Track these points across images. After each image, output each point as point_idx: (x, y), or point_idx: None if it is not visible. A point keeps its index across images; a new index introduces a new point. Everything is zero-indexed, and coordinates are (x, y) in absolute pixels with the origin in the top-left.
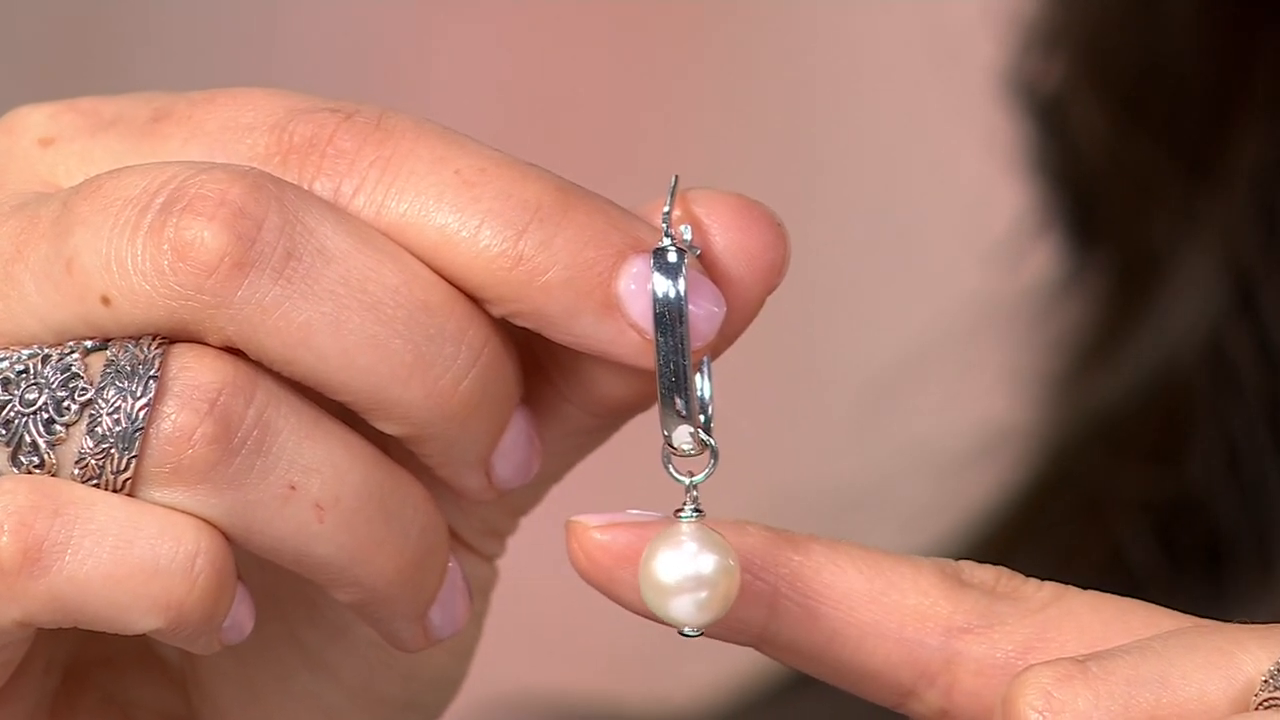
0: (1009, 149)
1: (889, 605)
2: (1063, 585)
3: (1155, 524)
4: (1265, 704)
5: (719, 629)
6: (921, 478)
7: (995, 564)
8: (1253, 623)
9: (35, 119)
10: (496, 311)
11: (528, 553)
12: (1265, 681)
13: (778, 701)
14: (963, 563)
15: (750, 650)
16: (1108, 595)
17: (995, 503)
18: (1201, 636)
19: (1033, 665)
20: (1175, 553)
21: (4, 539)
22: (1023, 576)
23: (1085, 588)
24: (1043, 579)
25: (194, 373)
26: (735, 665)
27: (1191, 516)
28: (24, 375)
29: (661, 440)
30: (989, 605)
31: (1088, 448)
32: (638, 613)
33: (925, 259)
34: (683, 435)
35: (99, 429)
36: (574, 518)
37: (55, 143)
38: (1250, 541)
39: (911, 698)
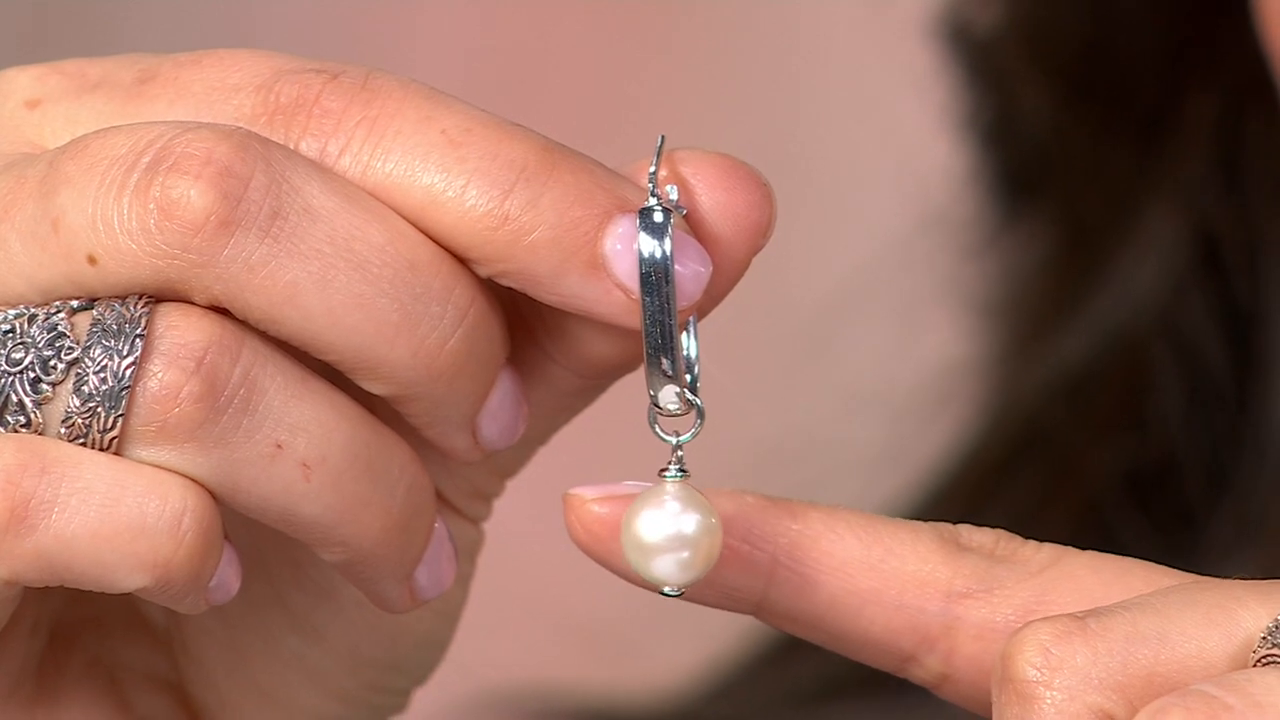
0: (942, 100)
1: (888, 572)
2: (1061, 546)
3: (1126, 485)
4: (1264, 660)
5: (717, 597)
6: (873, 425)
7: (961, 517)
8: (1249, 578)
9: (21, 81)
10: (483, 271)
11: (511, 528)
12: (1264, 638)
13: (758, 677)
14: (961, 526)
15: (729, 629)
16: (1107, 555)
17: (954, 458)
18: (1201, 592)
19: (1031, 621)
20: (1147, 512)
21: None
22: (1021, 539)
23: (1058, 543)
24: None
25: (180, 331)
26: (715, 642)
27: (1162, 476)
28: (10, 335)
29: (647, 400)
30: (988, 569)
31: (1050, 409)
32: (635, 583)
33: (860, 204)
34: (669, 395)
35: (85, 388)
36: (571, 490)
37: (41, 104)
38: (1222, 498)
39: (912, 663)
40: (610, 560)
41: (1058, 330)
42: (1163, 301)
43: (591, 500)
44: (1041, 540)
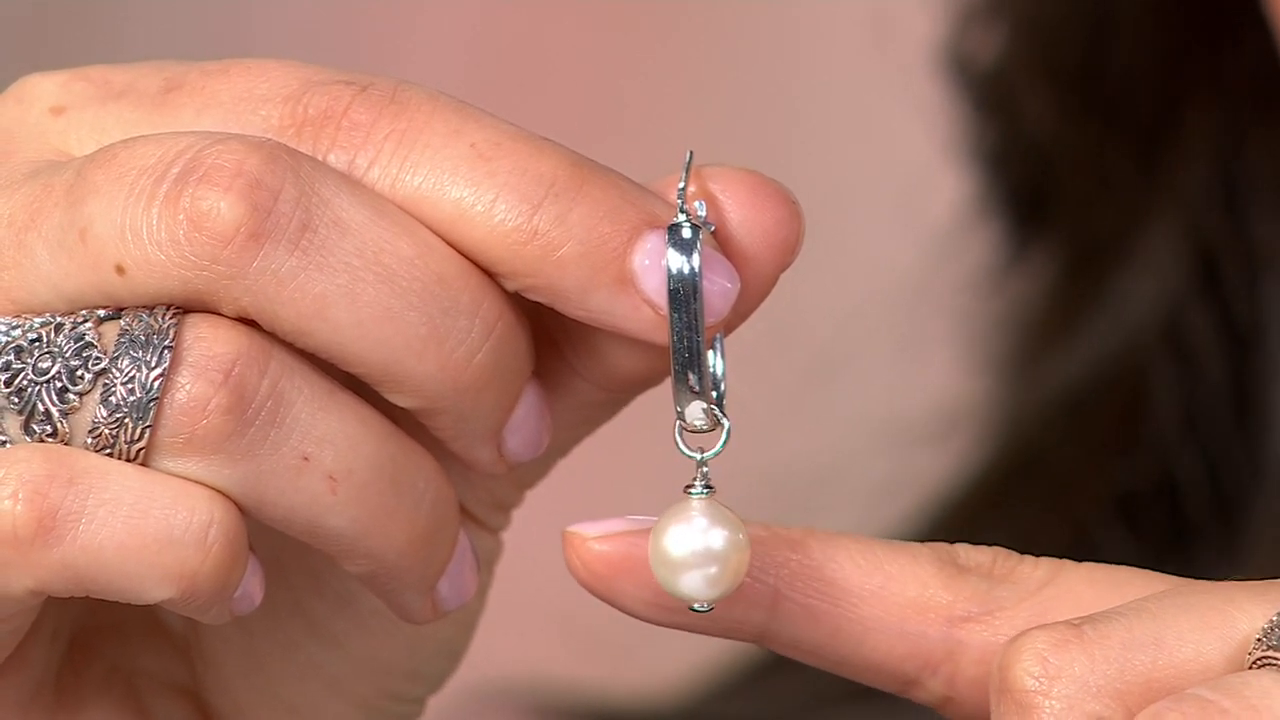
0: (948, 131)
1: (889, 600)
2: (1058, 561)
3: (1121, 508)
4: (1259, 663)
5: (720, 628)
6: (877, 455)
7: (960, 541)
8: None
9: (46, 87)
10: (510, 286)
11: (513, 525)
12: (1259, 640)
13: (757, 682)
14: (958, 546)
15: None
16: (1103, 566)
17: (956, 484)
18: (1196, 596)
19: (1028, 630)
20: (1141, 535)
21: (19, 507)
22: (1018, 555)
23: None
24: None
25: (209, 343)
26: (715, 645)
27: (1157, 499)
28: (37, 344)
29: (674, 415)
30: (988, 590)
31: (1049, 432)
32: (641, 618)
33: (867, 236)
34: (695, 411)
35: (113, 398)
36: (570, 528)
37: (67, 111)
38: (1220, 519)
39: (915, 686)
40: (613, 597)
41: (1059, 351)
42: (1162, 318)
43: (592, 538)
44: (1035, 554)
